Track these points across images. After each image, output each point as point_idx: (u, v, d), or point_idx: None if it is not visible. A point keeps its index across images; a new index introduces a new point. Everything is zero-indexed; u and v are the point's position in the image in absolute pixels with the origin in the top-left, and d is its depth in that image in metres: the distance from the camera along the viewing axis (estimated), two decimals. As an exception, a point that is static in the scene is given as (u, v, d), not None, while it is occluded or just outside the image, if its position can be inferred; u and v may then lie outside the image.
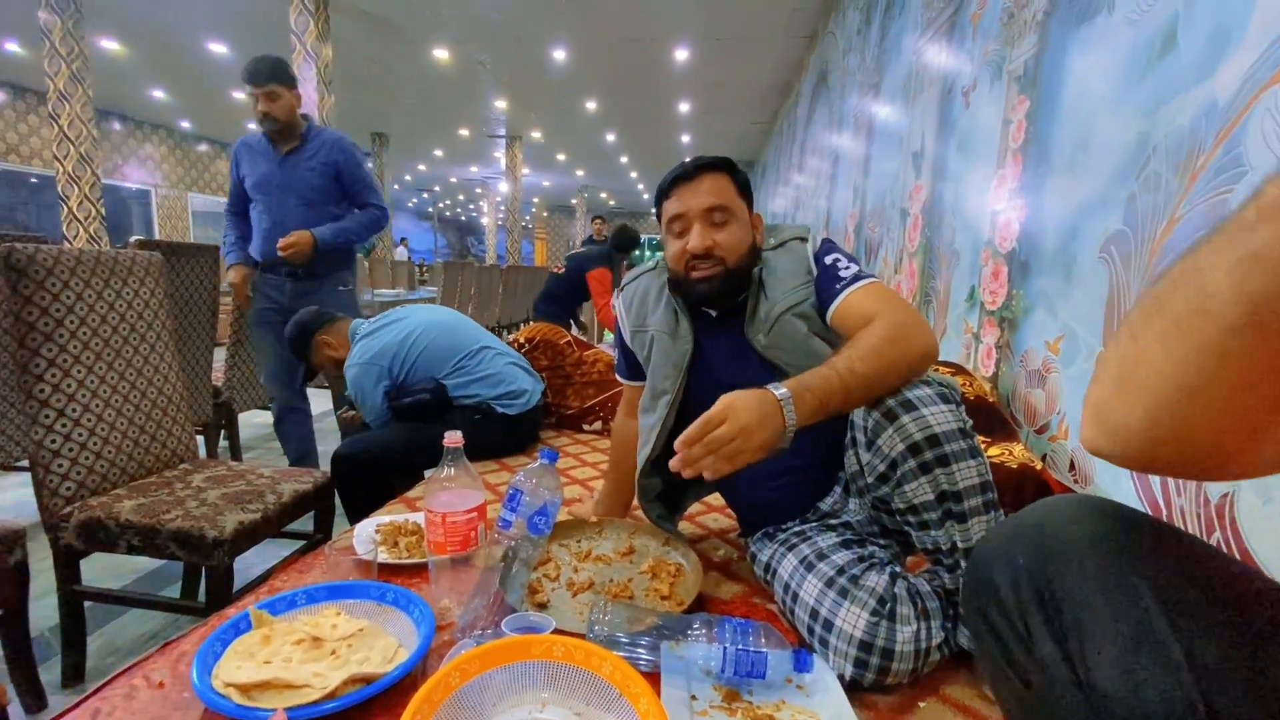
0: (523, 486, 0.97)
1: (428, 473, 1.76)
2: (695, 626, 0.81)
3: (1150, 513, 0.48)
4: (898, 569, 0.88)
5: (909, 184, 2.37)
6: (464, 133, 10.62)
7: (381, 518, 1.27)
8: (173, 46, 6.53)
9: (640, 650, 0.81)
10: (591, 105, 8.44)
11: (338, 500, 1.61)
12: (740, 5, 4.99)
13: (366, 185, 2.25)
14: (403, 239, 15.94)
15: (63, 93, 5.03)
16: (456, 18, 5.57)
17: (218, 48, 6.41)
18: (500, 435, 1.79)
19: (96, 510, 1.25)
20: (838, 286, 0.97)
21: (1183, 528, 0.45)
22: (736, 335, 1.03)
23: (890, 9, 2.87)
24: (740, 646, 0.78)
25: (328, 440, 3.10)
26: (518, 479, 0.98)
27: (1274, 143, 0.80)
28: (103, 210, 5.38)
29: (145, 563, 1.83)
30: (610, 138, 10.48)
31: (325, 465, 1.71)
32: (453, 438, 0.99)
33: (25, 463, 1.99)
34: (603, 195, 17.81)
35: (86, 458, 1.31)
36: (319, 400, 3.07)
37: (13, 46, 6.76)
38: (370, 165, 10.84)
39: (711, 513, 1.42)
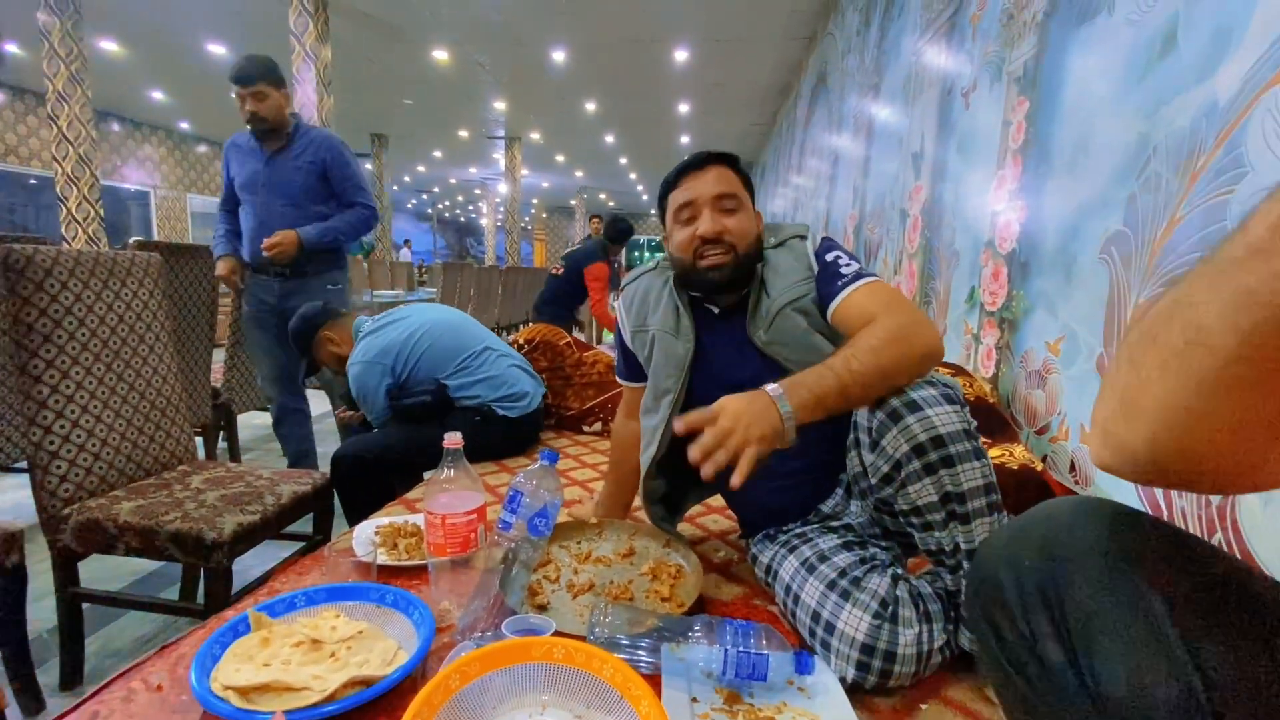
0: (523, 488, 0.96)
1: (427, 474, 1.76)
2: (696, 628, 0.81)
3: (1152, 514, 0.48)
4: (899, 571, 0.88)
5: (908, 185, 2.37)
6: (463, 134, 10.62)
7: (381, 519, 1.27)
8: (172, 47, 6.52)
9: (641, 652, 0.81)
10: (591, 106, 8.44)
11: (337, 502, 1.61)
12: (739, 6, 5.00)
13: (354, 184, 2.22)
14: (406, 240, 15.95)
15: (61, 94, 5.02)
16: (456, 19, 5.57)
17: (217, 49, 6.41)
18: (500, 437, 1.78)
19: (95, 512, 1.25)
20: (839, 284, 0.97)
21: (1185, 529, 0.45)
22: (738, 332, 1.03)
23: (889, 10, 2.87)
24: (741, 649, 0.78)
25: (327, 441, 3.10)
26: (518, 480, 0.98)
27: (1274, 143, 0.80)
28: (101, 211, 5.37)
29: (143, 564, 1.83)
30: (609, 139, 10.49)
31: (324, 466, 1.70)
32: (452, 439, 0.98)
33: (23, 464, 1.99)
34: (602, 196, 17.81)
35: (85, 459, 1.31)
36: (318, 401, 3.06)
37: (12, 47, 6.75)
38: (369, 167, 10.73)
39: (712, 514, 1.42)
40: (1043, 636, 0.43)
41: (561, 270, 3.95)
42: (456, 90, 7.86)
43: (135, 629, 1.56)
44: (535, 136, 10.57)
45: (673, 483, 1.18)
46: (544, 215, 20.81)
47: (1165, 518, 0.96)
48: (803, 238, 1.07)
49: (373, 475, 1.63)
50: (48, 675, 1.31)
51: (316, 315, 1.84)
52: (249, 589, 1.25)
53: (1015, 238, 1.49)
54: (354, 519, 1.59)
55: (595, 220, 6.37)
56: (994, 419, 1.34)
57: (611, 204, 18.85)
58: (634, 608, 0.89)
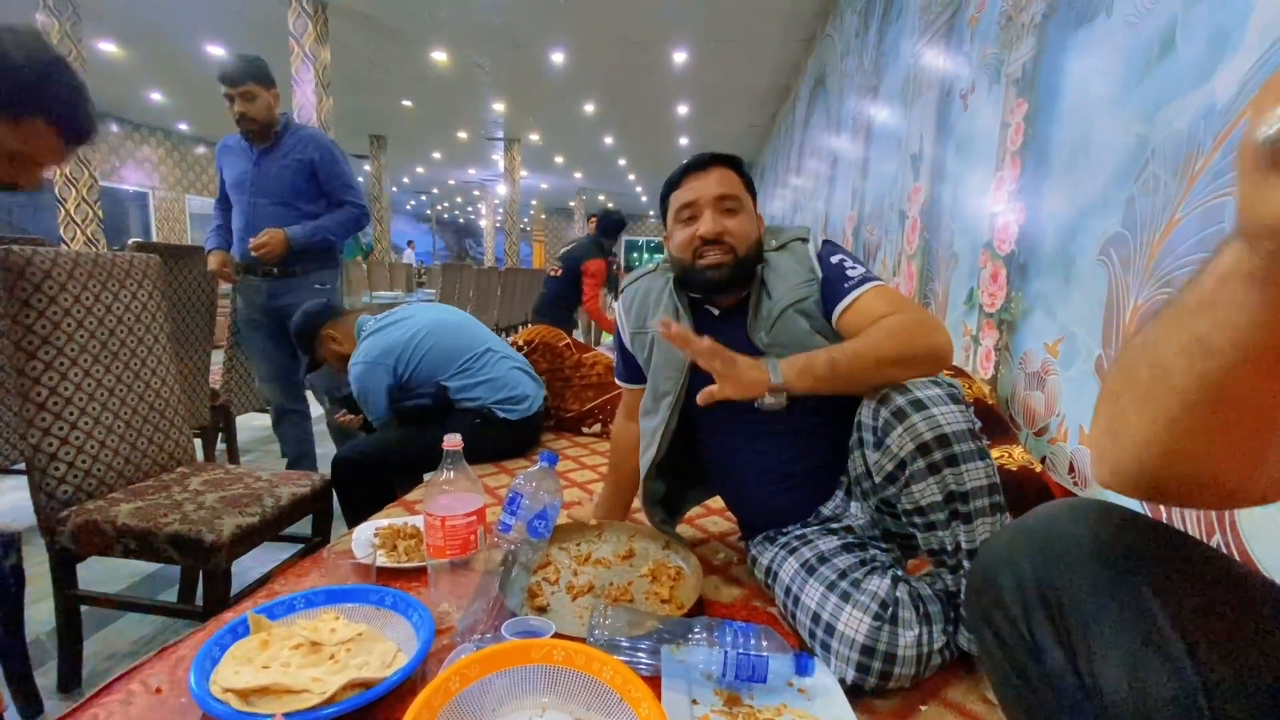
0: (522, 490, 0.96)
1: (426, 476, 1.76)
2: (696, 630, 0.81)
3: (1150, 516, 0.48)
4: (899, 573, 0.88)
5: (907, 186, 2.38)
6: (462, 135, 10.63)
7: (380, 521, 1.27)
8: (171, 49, 6.52)
9: (641, 654, 0.81)
10: (590, 108, 8.45)
11: (336, 504, 1.61)
12: (738, 8, 5.01)
13: (343, 183, 2.19)
14: (409, 241, 15.98)
15: (60, 95, 5.02)
16: (455, 20, 5.57)
17: (216, 50, 6.41)
18: (500, 440, 1.78)
19: (93, 514, 1.25)
20: (846, 286, 0.98)
21: (1183, 530, 0.45)
22: (738, 334, 1.03)
23: (888, 12, 2.88)
24: (741, 650, 0.78)
25: (326, 442, 3.10)
26: (517, 482, 0.98)
27: (1273, 146, 0.80)
28: (100, 213, 5.37)
29: (142, 566, 1.82)
30: (608, 140, 10.50)
31: (323, 467, 1.70)
32: (452, 441, 0.98)
33: (21, 466, 1.98)
34: (601, 198, 17.82)
35: (83, 461, 1.31)
36: (317, 401, 3.06)
37: (10, 48, 6.74)
38: (368, 168, 10.71)
39: (711, 516, 1.42)
40: (1042, 638, 0.44)
41: (560, 271, 3.93)
42: (455, 91, 7.86)
43: (134, 631, 1.56)
44: (534, 138, 10.58)
45: (672, 485, 1.18)
46: (543, 216, 20.81)
47: (1164, 520, 0.96)
48: (804, 240, 1.07)
49: (373, 477, 1.63)
50: (46, 678, 1.31)
51: (319, 314, 1.84)
52: (248, 591, 1.24)
53: (1014, 239, 1.50)
54: (353, 521, 1.59)
55: (594, 220, 6.36)
56: (993, 420, 1.34)
57: (610, 205, 18.85)
58: (634, 610, 0.89)
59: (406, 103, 8.48)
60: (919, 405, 0.82)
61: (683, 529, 1.30)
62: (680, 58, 6.27)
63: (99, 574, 1.76)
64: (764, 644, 0.78)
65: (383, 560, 1.08)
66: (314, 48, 5.29)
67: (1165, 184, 1.00)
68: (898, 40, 2.67)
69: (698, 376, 1.07)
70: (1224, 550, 0.84)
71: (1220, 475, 0.38)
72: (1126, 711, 0.38)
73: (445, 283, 6.41)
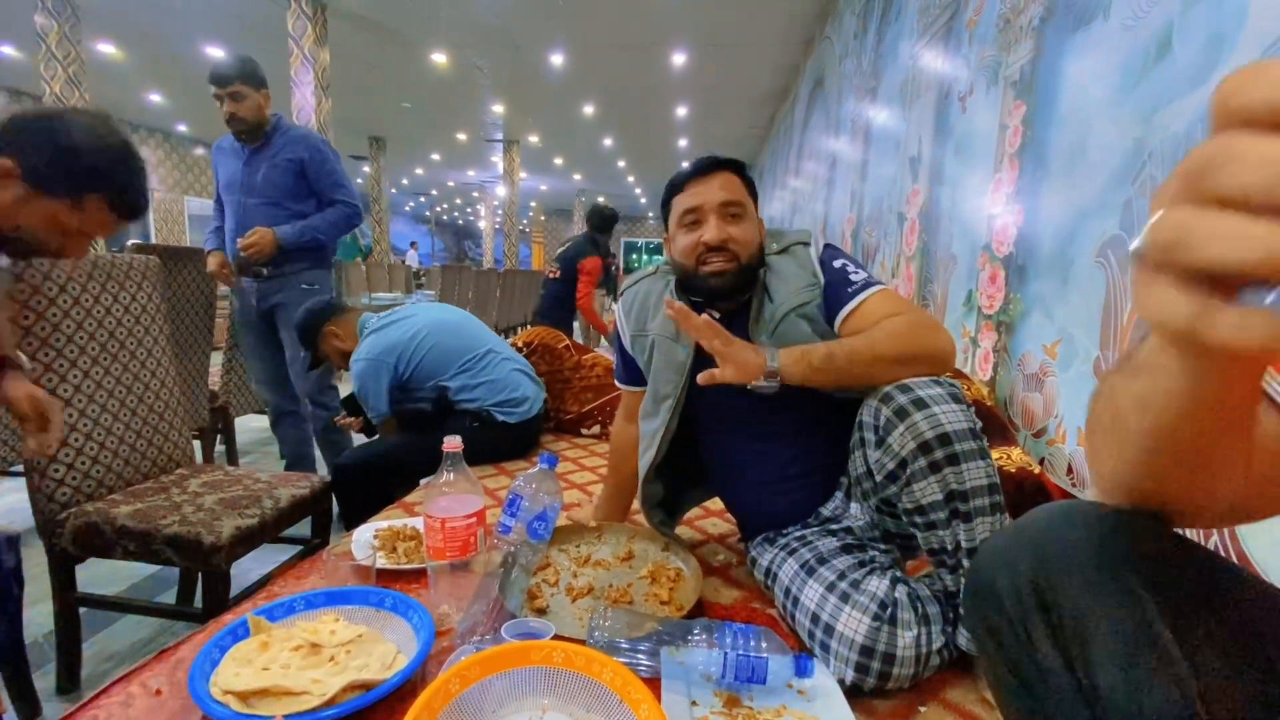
0: (522, 492, 0.97)
1: (423, 481, 1.76)
2: (695, 632, 0.81)
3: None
4: (898, 574, 0.89)
5: (906, 188, 2.38)
6: (461, 137, 10.63)
7: (380, 523, 1.27)
8: (170, 51, 6.52)
9: (640, 656, 0.81)
10: (589, 110, 8.46)
11: (335, 505, 1.61)
12: (737, 10, 5.01)
13: (334, 182, 2.16)
14: (413, 243, 15.99)
15: (59, 96, 5.02)
16: (454, 22, 5.58)
17: (215, 52, 6.41)
18: (499, 442, 1.78)
19: (92, 515, 1.25)
20: (850, 291, 0.98)
21: (1180, 532, 0.45)
22: (740, 338, 1.03)
23: (886, 15, 2.88)
24: (741, 652, 0.78)
25: (325, 445, 3.09)
26: (517, 484, 0.98)
27: (1269, 148, 0.81)
28: (99, 214, 5.36)
29: (141, 568, 1.82)
30: (607, 142, 10.51)
31: (322, 469, 1.70)
32: (452, 443, 0.99)
33: (20, 467, 1.98)
34: (600, 199, 17.81)
35: (82, 463, 1.30)
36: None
37: (9, 50, 6.75)
38: (367, 169, 10.67)
39: (710, 517, 1.42)
40: (1039, 640, 0.44)
41: (558, 273, 3.93)
42: (455, 93, 7.87)
43: (132, 633, 1.56)
44: (533, 139, 10.59)
45: (671, 486, 1.18)
46: (542, 218, 20.81)
47: (1162, 520, 0.96)
48: (806, 244, 1.07)
49: (373, 480, 1.63)
50: (44, 680, 1.30)
51: (323, 310, 1.84)
52: (247, 593, 1.24)
53: (1012, 241, 1.50)
54: (353, 523, 1.59)
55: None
56: (991, 422, 1.35)
57: (600, 200, 18.85)
58: (633, 611, 0.89)
59: (406, 104, 8.48)
60: (921, 404, 0.82)
61: (682, 530, 1.31)
62: (679, 59, 6.28)
63: (98, 576, 1.76)
64: (763, 645, 0.78)
65: (382, 562, 1.08)
66: (313, 49, 5.29)
67: (1163, 186, 1.00)
68: (896, 42, 2.68)
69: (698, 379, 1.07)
70: (1221, 551, 0.85)
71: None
72: (1122, 713, 0.38)
73: (444, 284, 6.41)
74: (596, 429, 2.12)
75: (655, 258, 20.30)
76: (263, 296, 2.16)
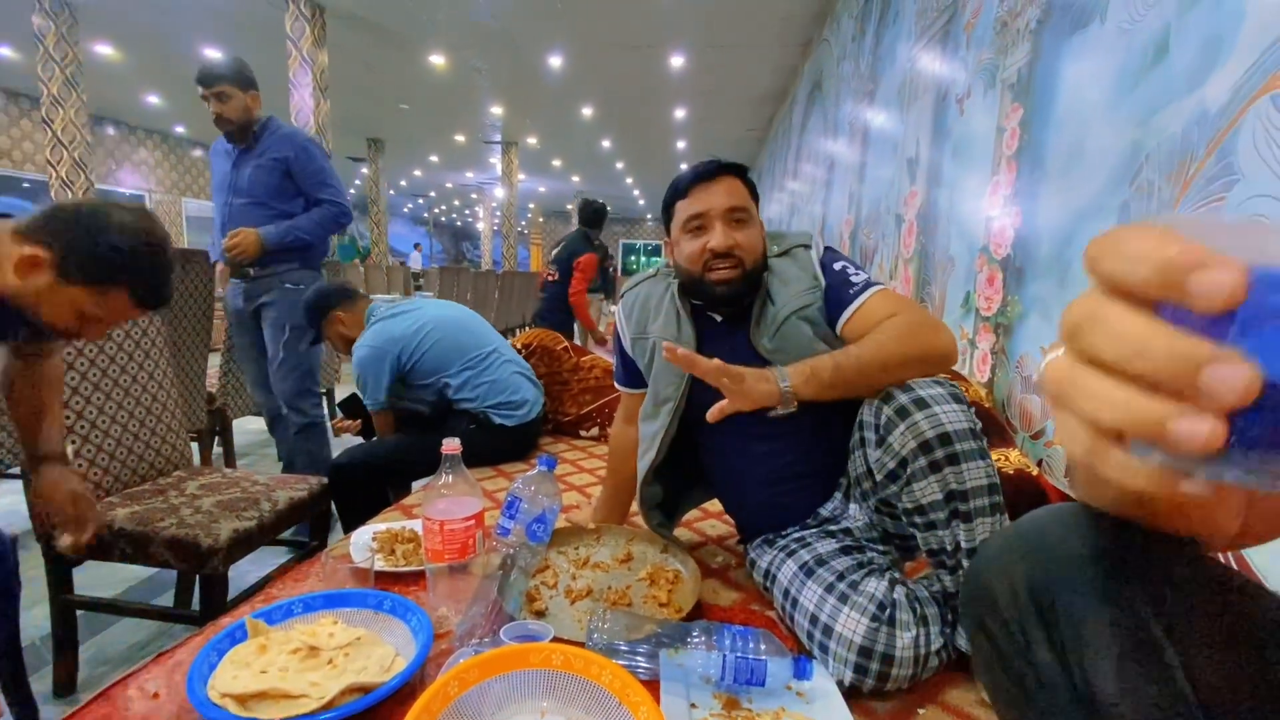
0: (521, 494, 0.97)
1: (417, 484, 1.76)
2: (694, 634, 0.81)
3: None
4: (897, 575, 0.89)
5: (904, 190, 2.39)
6: (460, 138, 10.64)
7: (378, 525, 1.27)
8: (168, 52, 6.52)
9: (639, 658, 0.81)
10: (587, 111, 8.46)
11: (334, 507, 1.60)
12: (735, 12, 5.03)
13: (320, 181, 2.12)
14: (416, 245, 16.00)
15: (56, 98, 5.02)
16: (453, 24, 5.58)
17: (213, 53, 6.41)
18: (497, 445, 1.78)
19: (90, 518, 1.24)
20: (851, 293, 0.99)
21: (1176, 536, 0.45)
22: (740, 341, 1.03)
23: (884, 17, 2.89)
24: (739, 654, 0.78)
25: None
26: (516, 486, 0.98)
27: (1264, 151, 0.81)
28: (96, 215, 5.35)
29: (138, 570, 1.81)
30: (606, 144, 10.52)
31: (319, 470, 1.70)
32: (451, 445, 0.98)
33: (17, 469, 1.97)
34: (599, 201, 17.84)
35: (80, 465, 1.30)
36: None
37: (6, 51, 6.74)
38: (366, 171, 10.65)
39: (709, 519, 1.42)
40: (1035, 642, 0.44)
41: (556, 275, 3.93)
42: (453, 95, 7.87)
43: (129, 636, 1.55)
44: (532, 141, 10.60)
45: (670, 488, 1.18)
46: (541, 220, 20.83)
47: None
48: (806, 247, 1.07)
49: (370, 483, 1.63)
50: (41, 683, 1.30)
51: (332, 294, 1.84)
52: (245, 595, 1.24)
53: (1010, 243, 1.51)
54: (351, 525, 1.59)
55: None
56: (989, 423, 1.35)
57: (608, 208, 18.87)
58: (632, 613, 0.89)
59: (404, 106, 8.49)
60: (922, 403, 0.83)
61: (681, 532, 1.31)
62: (677, 61, 6.29)
63: (95, 578, 1.76)
64: (762, 647, 0.78)
65: (381, 564, 1.08)
66: (312, 51, 5.29)
67: (1159, 189, 1.01)
68: (894, 45, 2.69)
69: (699, 382, 1.07)
70: (1219, 556, 0.85)
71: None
72: (1118, 715, 0.38)
73: (442, 286, 6.41)
74: (595, 431, 2.12)
75: (654, 259, 20.30)
76: (250, 297, 2.14)
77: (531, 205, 18.91)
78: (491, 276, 7.67)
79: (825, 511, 1.04)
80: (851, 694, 0.80)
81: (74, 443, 1.29)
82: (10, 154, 8.28)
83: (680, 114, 8.33)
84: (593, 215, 4.03)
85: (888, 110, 2.73)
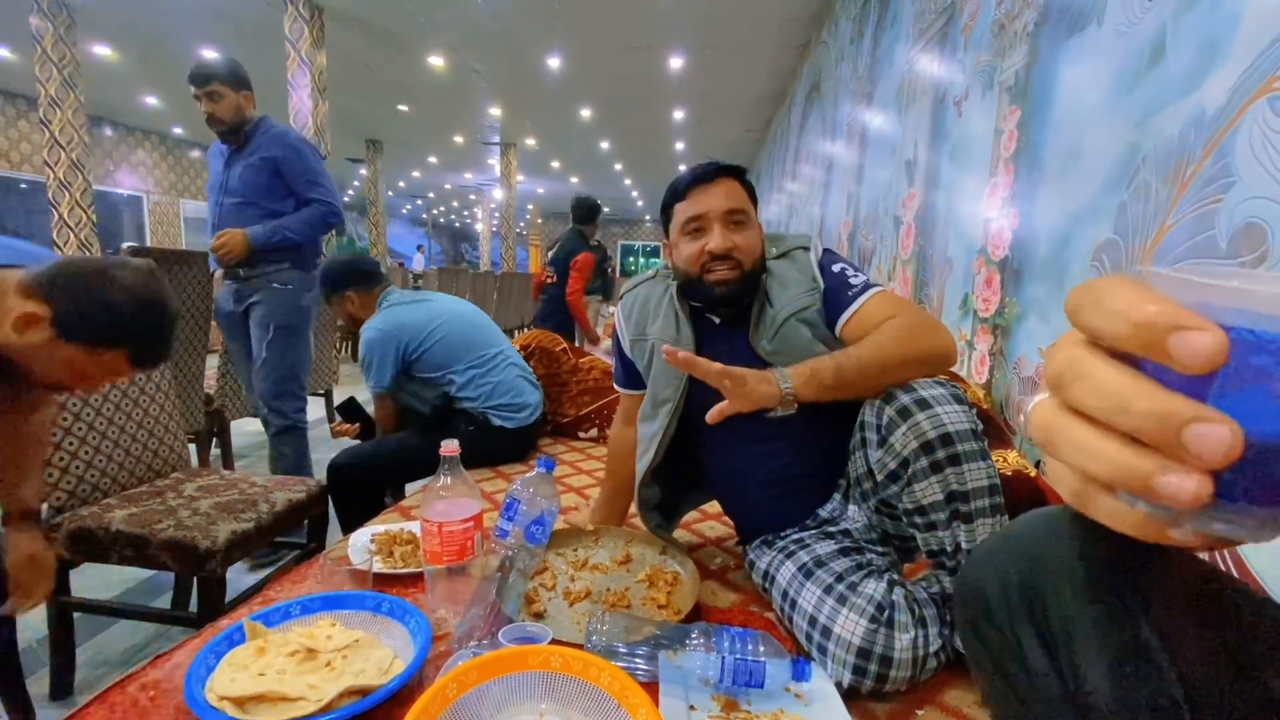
0: (520, 496, 0.97)
1: (410, 486, 1.76)
2: (693, 636, 0.81)
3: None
4: (895, 576, 0.89)
5: (902, 192, 2.39)
6: (458, 140, 10.64)
7: (376, 527, 1.27)
8: (166, 53, 6.51)
9: (638, 660, 0.81)
10: (586, 113, 8.47)
11: (331, 509, 1.60)
12: (733, 14, 5.03)
13: (309, 181, 2.09)
14: (419, 247, 15.99)
15: (54, 98, 5.01)
16: (451, 25, 5.58)
17: (211, 54, 6.40)
18: (496, 446, 1.78)
19: (87, 520, 1.24)
20: (850, 294, 0.99)
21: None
22: (740, 343, 1.03)
23: (882, 20, 2.90)
24: (738, 656, 0.78)
25: (320, 448, 3.08)
26: (515, 488, 0.98)
27: (1261, 153, 0.82)
28: (94, 217, 5.35)
29: (135, 572, 1.81)
30: (604, 145, 10.52)
31: (318, 473, 1.70)
32: (449, 447, 0.98)
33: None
34: (591, 198, 17.83)
35: (77, 467, 1.30)
36: (310, 408, 3.04)
37: (3, 51, 6.73)
38: (364, 172, 10.61)
39: (708, 520, 1.42)
40: (1027, 645, 0.44)
41: (555, 277, 3.93)
42: (452, 96, 7.87)
43: (127, 638, 1.55)
44: (530, 142, 10.60)
45: (669, 489, 1.18)
46: (539, 221, 20.83)
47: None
48: (805, 249, 1.08)
49: (369, 483, 1.63)
50: (38, 686, 1.30)
51: (352, 275, 1.84)
52: (243, 597, 1.24)
53: (1008, 245, 1.51)
54: (349, 527, 1.58)
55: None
56: (988, 425, 1.34)
57: (606, 209, 18.86)
58: (631, 615, 0.89)
59: (402, 107, 8.49)
60: (923, 404, 0.83)
61: (679, 533, 1.31)
62: (676, 63, 6.29)
63: (91, 580, 1.75)
64: (761, 649, 0.78)
65: (379, 566, 1.08)
66: (310, 52, 5.28)
67: (1156, 190, 1.01)
68: (892, 47, 2.69)
69: (698, 384, 1.07)
70: (1218, 559, 0.85)
71: None
72: (1110, 716, 0.39)
73: (441, 287, 6.41)
74: (594, 432, 2.11)
75: (653, 261, 20.31)
76: (240, 298, 2.12)
77: (530, 206, 18.91)
78: (490, 278, 7.66)
79: (824, 513, 1.04)
80: (850, 695, 0.80)
81: (72, 444, 1.29)
82: (8, 155, 8.27)
83: (679, 115, 8.33)
84: (586, 212, 4.01)
85: (886, 112, 2.74)
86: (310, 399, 3.14)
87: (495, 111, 8.68)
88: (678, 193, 1.05)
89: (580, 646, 0.79)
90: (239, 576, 1.76)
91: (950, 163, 1.93)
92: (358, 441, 1.91)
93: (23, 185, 8.59)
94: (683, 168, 1.13)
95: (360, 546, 1.16)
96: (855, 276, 1.01)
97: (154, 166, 10.41)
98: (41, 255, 1.02)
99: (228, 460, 2.66)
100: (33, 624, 1.40)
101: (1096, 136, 1.19)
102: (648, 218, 20.39)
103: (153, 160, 10.38)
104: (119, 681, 0.80)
